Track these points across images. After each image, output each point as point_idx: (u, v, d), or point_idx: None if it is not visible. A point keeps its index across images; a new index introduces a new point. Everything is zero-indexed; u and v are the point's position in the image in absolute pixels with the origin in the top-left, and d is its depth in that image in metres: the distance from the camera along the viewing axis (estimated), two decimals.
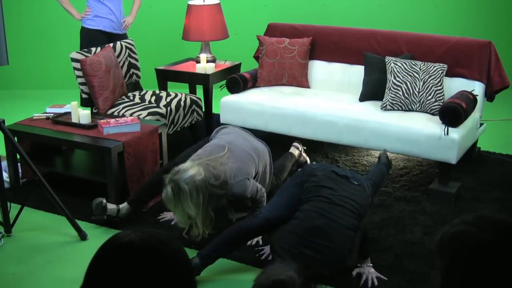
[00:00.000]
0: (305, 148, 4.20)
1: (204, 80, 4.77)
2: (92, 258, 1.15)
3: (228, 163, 3.12)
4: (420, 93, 3.96)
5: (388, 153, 3.85)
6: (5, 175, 3.84)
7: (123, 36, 5.02)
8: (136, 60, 4.74)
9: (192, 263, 2.80)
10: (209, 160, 3.06)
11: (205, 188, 2.92)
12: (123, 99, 4.40)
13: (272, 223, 2.90)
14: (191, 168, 2.93)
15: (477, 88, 4.05)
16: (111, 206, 3.43)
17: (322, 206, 2.80)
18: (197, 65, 4.86)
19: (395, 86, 4.02)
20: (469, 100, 3.85)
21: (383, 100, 4.07)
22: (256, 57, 4.94)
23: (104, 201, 3.40)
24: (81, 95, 4.32)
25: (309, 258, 2.60)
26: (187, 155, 3.36)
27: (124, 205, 3.48)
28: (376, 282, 2.86)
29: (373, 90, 4.24)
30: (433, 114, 3.93)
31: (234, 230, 2.96)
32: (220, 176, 3.01)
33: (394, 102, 4.02)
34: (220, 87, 4.84)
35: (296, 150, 4.09)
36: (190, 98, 4.55)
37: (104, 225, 3.47)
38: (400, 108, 4.04)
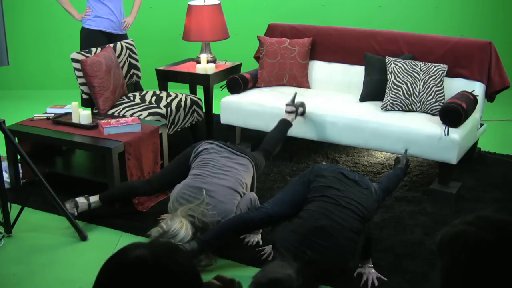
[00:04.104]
0: (296, 93, 4.13)
1: (205, 80, 4.77)
2: (99, 273, 1.12)
3: (209, 211, 3.04)
4: (421, 94, 3.96)
5: (398, 154, 3.80)
6: (6, 176, 3.84)
7: (124, 37, 5.02)
8: (137, 60, 4.74)
9: (189, 246, 2.83)
10: (191, 210, 3.02)
11: None
12: (124, 99, 4.40)
13: (274, 219, 2.93)
14: (181, 229, 2.91)
15: (477, 88, 4.05)
16: (81, 203, 3.45)
17: (327, 207, 2.79)
18: (198, 65, 4.86)
19: (395, 87, 4.02)
20: (470, 100, 3.85)
21: (384, 100, 4.07)
22: (257, 58, 4.94)
23: (75, 211, 3.43)
24: (81, 96, 4.32)
25: (311, 258, 2.60)
26: (163, 181, 3.48)
27: (95, 200, 3.49)
28: (376, 283, 2.86)
29: (373, 91, 4.24)
30: (433, 114, 3.93)
31: (235, 220, 2.98)
32: (206, 230, 3.02)
33: (394, 102, 4.02)
34: (221, 87, 4.84)
35: (290, 115, 4.03)
36: (191, 98, 4.55)
37: (105, 226, 3.47)
38: (400, 109, 4.04)
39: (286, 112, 4.06)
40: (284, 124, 4.00)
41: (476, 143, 4.26)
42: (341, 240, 2.67)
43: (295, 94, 4.13)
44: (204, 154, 3.38)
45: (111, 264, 1.11)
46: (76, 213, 3.42)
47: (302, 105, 4.13)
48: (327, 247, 2.63)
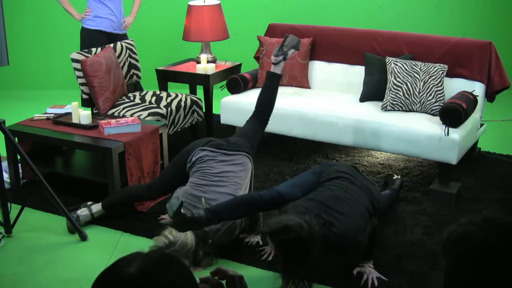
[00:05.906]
0: (286, 37, 3.64)
1: (205, 80, 4.77)
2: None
3: None
4: (421, 94, 3.96)
5: (399, 177, 3.82)
6: (6, 176, 3.84)
7: (123, 36, 5.02)
8: (137, 60, 4.74)
9: (198, 214, 2.77)
10: None
11: (196, 251, 3.00)
12: (124, 99, 4.40)
13: (285, 199, 2.88)
14: (187, 240, 2.94)
15: (477, 88, 4.05)
16: (83, 216, 3.45)
17: (343, 183, 2.92)
18: (198, 65, 4.86)
19: (395, 87, 4.02)
20: (470, 100, 3.85)
21: (384, 100, 4.07)
22: (257, 58, 4.94)
23: (78, 220, 3.43)
24: (81, 96, 4.32)
25: (325, 221, 2.62)
26: (163, 183, 3.47)
27: (98, 209, 3.50)
28: (376, 283, 2.86)
29: (373, 91, 4.24)
30: (433, 114, 3.93)
31: (245, 197, 2.97)
32: (206, 239, 3.04)
33: (394, 102, 4.02)
34: (221, 87, 4.84)
35: (278, 66, 3.63)
36: (191, 98, 4.55)
37: (105, 226, 3.47)
38: (400, 109, 4.04)
39: (273, 64, 3.65)
40: (273, 77, 3.66)
41: (476, 143, 4.26)
42: (355, 212, 2.76)
43: (286, 37, 3.61)
44: (200, 163, 3.33)
45: (101, 284, 1.07)
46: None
47: (295, 45, 3.63)
48: (343, 214, 2.70)
